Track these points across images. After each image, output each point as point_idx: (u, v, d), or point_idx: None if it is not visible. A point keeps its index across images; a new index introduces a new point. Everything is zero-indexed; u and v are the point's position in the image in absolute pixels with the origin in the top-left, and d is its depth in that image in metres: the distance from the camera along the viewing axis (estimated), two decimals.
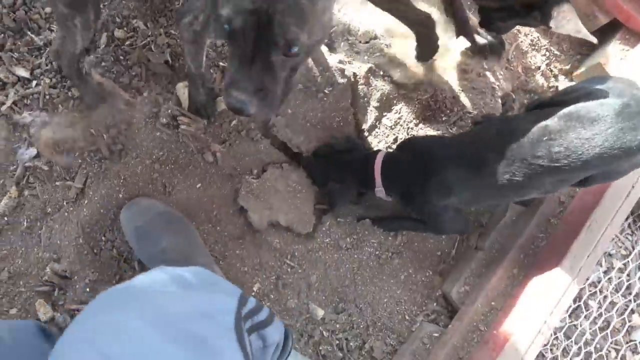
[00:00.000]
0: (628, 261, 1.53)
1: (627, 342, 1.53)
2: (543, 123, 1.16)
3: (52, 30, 1.39)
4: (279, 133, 1.45)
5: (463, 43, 1.57)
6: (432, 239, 1.53)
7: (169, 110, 1.35)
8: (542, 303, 1.26)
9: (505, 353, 1.26)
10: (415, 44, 1.50)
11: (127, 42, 1.43)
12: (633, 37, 1.66)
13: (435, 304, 1.48)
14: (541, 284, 1.30)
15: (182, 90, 1.36)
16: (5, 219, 1.32)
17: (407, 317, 1.47)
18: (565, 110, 1.16)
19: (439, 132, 1.54)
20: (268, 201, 1.44)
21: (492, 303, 1.38)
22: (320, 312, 1.43)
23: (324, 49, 1.49)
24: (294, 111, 1.44)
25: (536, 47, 1.73)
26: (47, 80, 1.36)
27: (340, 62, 1.49)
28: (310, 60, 1.45)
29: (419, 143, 1.37)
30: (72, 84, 1.35)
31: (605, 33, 1.67)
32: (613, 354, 1.53)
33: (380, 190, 1.36)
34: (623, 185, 1.29)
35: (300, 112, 1.46)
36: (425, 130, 1.55)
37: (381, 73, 1.52)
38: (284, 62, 0.86)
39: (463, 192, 1.27)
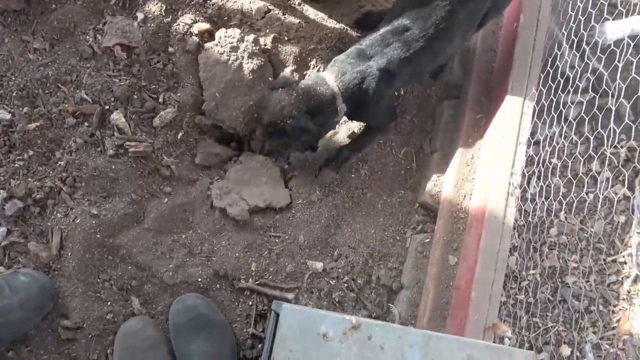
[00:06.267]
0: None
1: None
2: None
3: None
4: (213, 117, 1.54)
5: None
6: (391, 163, 1.63)
7: (115, 142, 1.44)
8: (500, 168, 1.37)
9: (488, 225, 1.35)
10: None
11: None
12: None
13: (417, 216, 1.57)
14: (492, 149, 1.41)
15: (117, 117, 1.44)
16: None
17: (397, 238, 1.55)
18: None
19: None
20: (240, 193, 1.52)
21: (461, 190, 1.47)
22: (319, 265, 1.50)
23: (234, 33, 1.57)
24: (222, 94, 1.53)
25: None
26: None
27: (254, 42, 1.57)
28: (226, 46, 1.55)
29: (355, 49, 1.44)
30: None
31: None
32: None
33: (342, 107, 1.42)
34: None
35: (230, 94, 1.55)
36: None
37: (285, 38, 1.62)
38: None
39: (402, 69, 1.38)
